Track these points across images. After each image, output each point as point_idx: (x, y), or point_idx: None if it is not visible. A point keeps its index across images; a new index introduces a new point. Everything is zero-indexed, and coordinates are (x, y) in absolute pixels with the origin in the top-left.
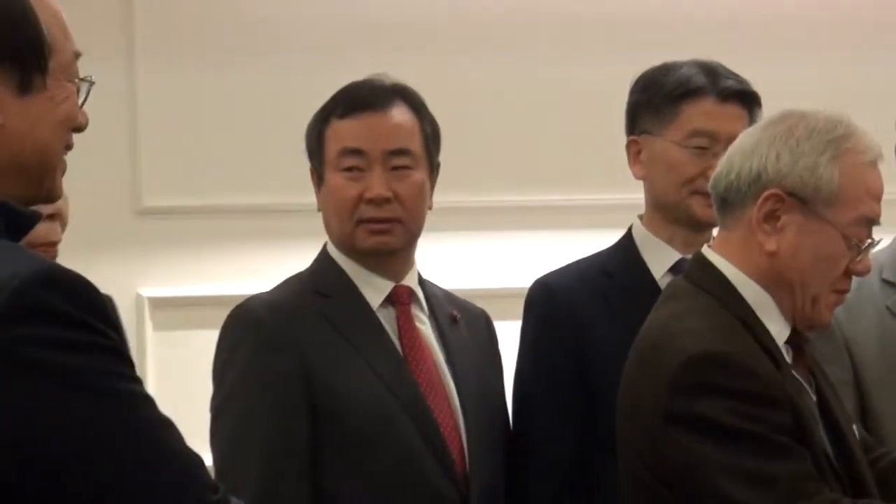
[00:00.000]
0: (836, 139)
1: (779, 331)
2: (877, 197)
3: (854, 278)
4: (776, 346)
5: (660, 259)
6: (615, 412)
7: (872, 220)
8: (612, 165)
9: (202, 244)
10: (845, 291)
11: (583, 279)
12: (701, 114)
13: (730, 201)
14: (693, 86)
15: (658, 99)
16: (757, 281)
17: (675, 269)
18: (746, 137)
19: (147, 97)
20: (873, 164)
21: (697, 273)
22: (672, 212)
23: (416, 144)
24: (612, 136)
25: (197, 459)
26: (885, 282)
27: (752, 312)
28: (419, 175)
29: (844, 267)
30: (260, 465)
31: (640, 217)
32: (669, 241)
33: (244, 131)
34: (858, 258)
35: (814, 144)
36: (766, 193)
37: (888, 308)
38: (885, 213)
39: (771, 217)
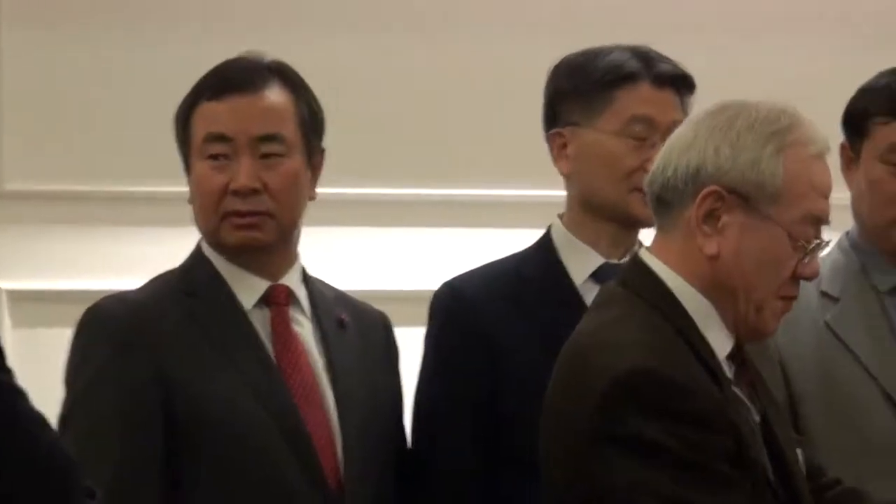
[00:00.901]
0: (780, 131)
1: (721, 344)
2: (824, 193)
3: None
4: (717, 361)
5: (581, 263)
6: (528, 429)
7: (820, 219)
8: (533, 159)
9: (68, 233)
10: (793, 298)
11: (495, 283)
12: (639, 100)
13: (667, 201)
14: (627, 71)
15: (587, 86)
16: (698, 288)
17: (597, 275)
18: (684, 130)
19: (10, 72)
20: (820, 157)
21: (634, 278)
22: (606, 210)
23: (289, 129)
24: (533, 128)
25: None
26: (824, 294)
27: (693, 324)
28: (293, 163)
29: (791, 270)
30: (108, 479)
31: (561, 216)
32: (594, 243)
33: (117, 111)
34: (806, 260)
35: (756, 137)
36: (704, 191)
37: (826, 324)
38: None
39: (711, 217)
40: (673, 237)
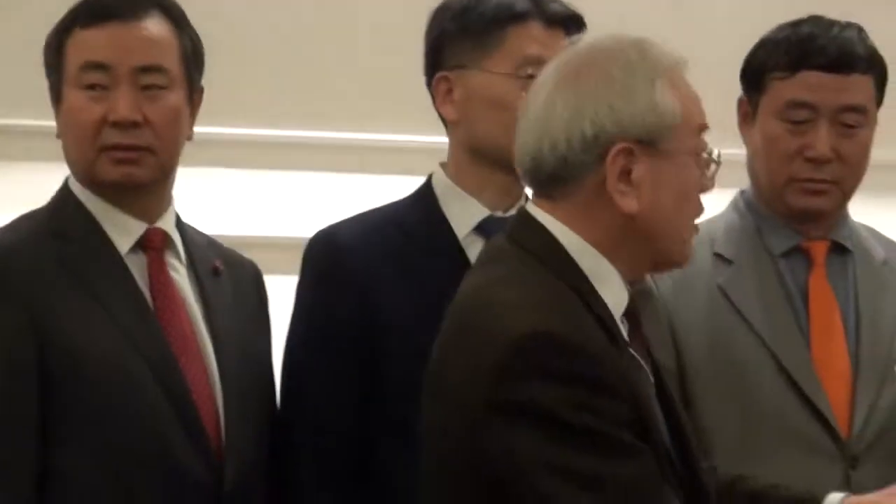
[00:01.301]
0: (654, 61)
1: (617, 302)
2: (697, 100)
3: None
4: (614, 321)
5: (464, 215)
6: (408, 390)
7: (704, 125)
8: (415, 103)
9: None
10: (700, 213)
11: (373, 233)
12: (530, 39)
13: (562, 177)
14: (518, 10)
15: (476, 27)
16: (597, 246)
17: (481, 228)
18: (546, 101)
19: None
20: (684, 67)
21: (523, 234)
22: (494, 156)
23: (172, 62)
24: (414, 70)
25: None
26: (718, 256)
27: (588, 282)
28: (175, 97)
29: (699, 189)
30: None
31: (443, 165)
32: (478, 194)
33: None
34: (707, 173)
35: (640, 79)
36: (613, 151)
37: (720, 287)
38: (723, 174)
39: (623, 175)
40: (570, 204)
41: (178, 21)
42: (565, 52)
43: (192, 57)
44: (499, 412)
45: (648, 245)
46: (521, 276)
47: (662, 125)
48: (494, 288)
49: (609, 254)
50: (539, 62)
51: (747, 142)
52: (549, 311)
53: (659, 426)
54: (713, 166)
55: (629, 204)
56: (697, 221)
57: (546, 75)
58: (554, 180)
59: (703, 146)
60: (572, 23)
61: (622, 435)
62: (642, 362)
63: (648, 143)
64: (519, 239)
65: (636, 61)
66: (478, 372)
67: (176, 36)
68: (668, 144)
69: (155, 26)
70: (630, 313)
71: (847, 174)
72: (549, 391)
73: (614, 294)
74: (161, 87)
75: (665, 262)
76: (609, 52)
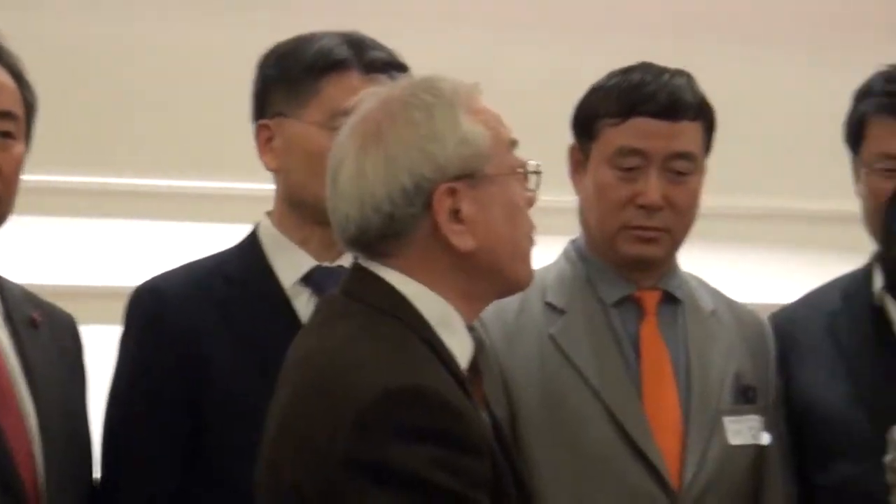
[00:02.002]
0: (450, 96)
1: (462, 352)
2: (499, 119)
3: (517, 303)
4: (462, 372)
5: (291, 265)
6: (236, 443)
7: (514, 140)
8: (241, 150)
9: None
10: (532, 227)
11: (198, 285)
12: (347, 90)
13: (393, 234)
14: (336, 57)
15: (294, 74)
16: (442, 292)
17: (308, 279)
18: (361, 165)
19: None
20: (479, 91)
21: (362, 288)
22: (310, 209)
23: (19, 110)
24: (243, 117)
25: None
26: (549, 306)
27: (434, 333)
28: (21, 147)
29: (526, 203)
30: None
31: (269, 214)
32: (304, 244)
33: None
34: (529, 186)
35: (442, 117)
36: (437, 195)
37: (551, 336)
38: (550, 221)
39: (453, 214)
40: (407, 257)
41: (15, 69)
42: (357, 111)
43: (31, 106)
44: (359, 470)
45: (494, 276)
46: (371, 331)
47: (477, 155)
48: (347, 346)
49: (453, 298)
50: None
51: (579, 190)
52: (410, 366)
53: (507, 475)
54: (533, 177)
55: (466, 242)
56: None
57: (344, 138)
58: (384, 239)
59: (517, 162)
60: (393, 69)
61: (480, 497)
62: (484, 413)
63: (469, 176)
64: (358, 294)
65: (433, 101)
66: (334, 426)
67: (17, 84)
68: (487, 171)
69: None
70: (472, 366)
71: (677, 221)
72: (413, 449)
73: (460, 343)
74: (10, 135)
75: (512, 286)
76: (403, 100)
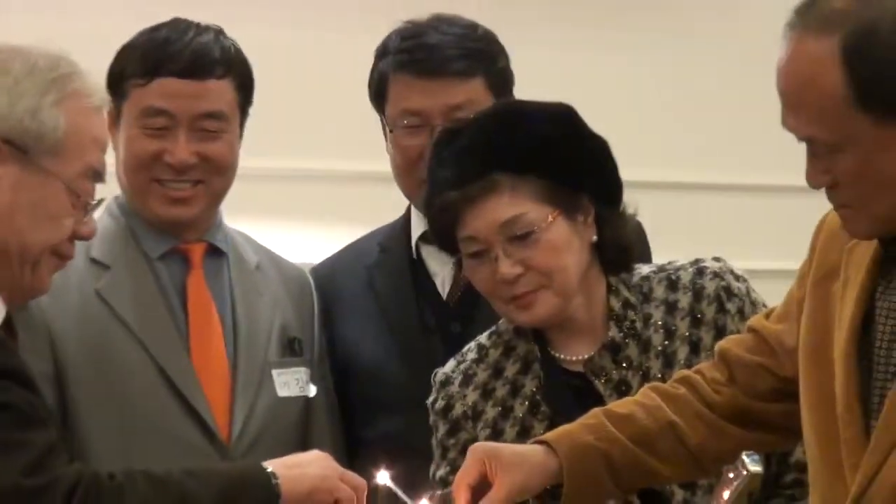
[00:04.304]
0: (61, 78)
1: None
2: (103, 147)
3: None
4: None
5: None
6: None
7: (99, 174)
8: None
9: None
10: (69, 257)
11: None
12: None
13: None
14: None
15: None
16: None
17: None
18: None
19: None
20: (99, 110)
21: None
22: None
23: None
24: None
25: None
26: (94, 261)
27: None
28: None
29: (70, 229)
30: None
31: None
32: None
33: None
34: (86, 219)
35: (36, 83)
36: None
37: (97, 292)
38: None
39: None
40: None
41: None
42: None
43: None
44: None
45: (7, 261)
46: None
47: (40, 137)
48: None
49: None
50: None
51: (114, 147)
52: None
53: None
54: (90, 215)
55: None
56: None
57: None
58: None
59: (89, 191)
60: None
61: (37, 413)
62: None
63: (21, 148)
64: None
65: (44, 68)
66: None
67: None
68: (44, 161)
69: None
70: (6, 324)
71: (213, 175)
72: None
73: None
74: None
75: (19, 286)
76: (26, 51)
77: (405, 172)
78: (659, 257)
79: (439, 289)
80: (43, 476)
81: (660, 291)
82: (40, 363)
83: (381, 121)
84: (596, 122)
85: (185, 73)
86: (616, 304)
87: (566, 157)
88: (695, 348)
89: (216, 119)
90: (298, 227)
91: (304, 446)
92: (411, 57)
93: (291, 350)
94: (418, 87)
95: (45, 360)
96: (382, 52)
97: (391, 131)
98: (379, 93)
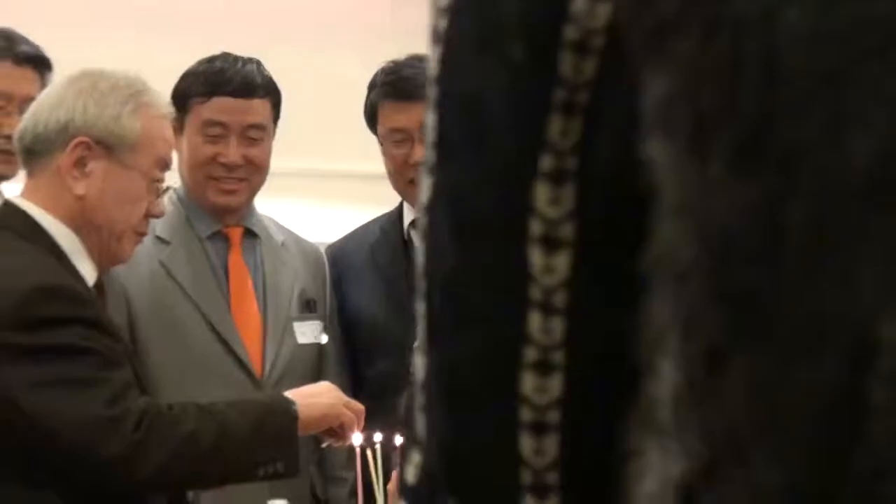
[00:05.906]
0: (136, 93)
1: (88, 272)
2: (170, 144)
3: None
4: (87, 287)
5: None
6: None
7: (167, 164)
8: None
9: None
10: (145, 233)
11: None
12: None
13: (37, 151)
14: None
15: None
16: (66, 223)
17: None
18: (51, 92)
19: None
20: (166, 117)
21: (8, 219)
22: None
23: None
24: None
25: None
26: (158, 238)
27: (64, 254)
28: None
29: (145, 209)
30: None
31: None
32: None
33: None
34: (157, 201)
35: (117, 97)
36: (74, 141)
37: (161, 262)
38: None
39: (80, 163)
40: (42, 182)
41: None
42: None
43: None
44: (19, 356)
45: (97, 235)
46: (13, 251)
47: (121, 137)
48: None
49: (77, 233)
50: (4, 96)
51: (178, 150)
52: (48, 272)
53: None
54: (163, 196)
55: (79, 187)
56: None
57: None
58: (31, 153)
59: (160, 177)
60: (40, 62)
61: (115, 356)
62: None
63: (107, 146)
64: (5, 224)
65: (123, 86)
66: None
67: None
68: (126, 157)
69: None
70: (98, 285)
71: (254, 174)
72: (66, 332)
73: (85, 265)
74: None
75: (106, 254)
76: (108, 73)
77: (396, 175)
78: None
79: None
80: (119, 407)
81: None
82: (119, 317)
83: (378, 137)
84: None
85: (237, 94)
86: None
87: None
88: None
89: (258, 129)
90: (316, 212)
91: (318, 380)
92: (393, 88)
93: (308, 308)
94: (400, 109)
95: (122, 314)
96: (372, 86)
97: (382, 144)
98: (371, 117)
